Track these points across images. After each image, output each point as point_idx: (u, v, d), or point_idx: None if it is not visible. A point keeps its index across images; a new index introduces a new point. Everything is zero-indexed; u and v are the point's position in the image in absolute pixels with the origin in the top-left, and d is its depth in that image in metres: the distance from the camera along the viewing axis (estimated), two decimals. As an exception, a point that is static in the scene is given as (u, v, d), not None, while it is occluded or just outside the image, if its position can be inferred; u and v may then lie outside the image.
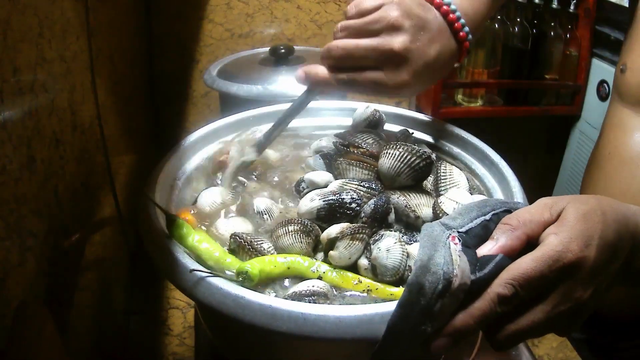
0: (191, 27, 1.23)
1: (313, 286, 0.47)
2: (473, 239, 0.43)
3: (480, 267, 0.41)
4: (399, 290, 0.47)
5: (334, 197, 0.52)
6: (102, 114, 0.69)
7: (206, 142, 0.67)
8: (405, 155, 0.55)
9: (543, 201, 0.45)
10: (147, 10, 1.18)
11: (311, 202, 0.53)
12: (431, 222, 0.45)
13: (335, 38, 0.60)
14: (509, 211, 0.46)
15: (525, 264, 0.40)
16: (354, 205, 0.52)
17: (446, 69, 0.62)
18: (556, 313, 0.41)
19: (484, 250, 0.42)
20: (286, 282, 0.49)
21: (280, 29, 1.28)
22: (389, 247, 0.48)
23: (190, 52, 1.25)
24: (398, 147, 0.56)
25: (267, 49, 0.98)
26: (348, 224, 0.50)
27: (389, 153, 0.56)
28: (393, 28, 0.56)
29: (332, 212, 0.52)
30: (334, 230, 0.49)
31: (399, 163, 0.55)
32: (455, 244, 0.41)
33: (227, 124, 0.70)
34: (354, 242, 0.48)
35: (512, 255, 0.42)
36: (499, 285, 0.40)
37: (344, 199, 0.52)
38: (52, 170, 0.52)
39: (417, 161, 0.55)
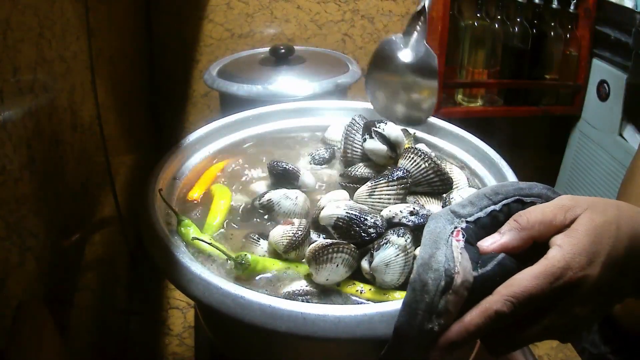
0: (191, 27, 1.23)
1: (306, 286, 0.47)
2: (480, 230, 0.43)
3: (482, 265, 0.40)
4: (396, 292, 0.47)
5: (357, 213, 0.50)
6: (102, 114, 0.69)
7: (206, 142, 0.67)
8: (429, 172, 0.57)
9: (563, 201, 0.43)
10: (147, 10, 1.18)
11: (337, 209, 0.51)
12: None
13: None
14: (520, 201, 0.44)
15: (526, 281, 0.39)
16: (371, 230, 0.49)
17: None
18: (552, 326, 0.41)
19: (487, 242, 0.42)
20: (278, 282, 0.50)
21: (280, 29, 1.28)
22: (389, 260, 0.46)
23: (190, 52, 1.25)
24: (426, 159, 0.57)
25: (267, 49, 0.98)
26: (325, 241, 0.48)
27: (413, 159, 0.58)
28: None
29: (348, 227, 0.50)
30: (311, 246, 0.48)
31: (420, 176, 0.57)
32: (458, 240, 0.41)
33: (227, 124, 0.70)
34: (325, 264, 0.47)
35: (514, 254, 0.41)
36: (498, 302, 0.39)
37: (366, 218, 0.50)
38: (52, 170, 0.52)
39: (436, 180, 0.57)
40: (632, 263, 0.41)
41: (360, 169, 0.61)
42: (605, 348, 0.79)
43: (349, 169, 0.61)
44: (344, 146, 0.63)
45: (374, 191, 0.54)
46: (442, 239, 0.41)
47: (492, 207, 0.44)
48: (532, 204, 0.44)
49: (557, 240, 0.41)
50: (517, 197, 0.44)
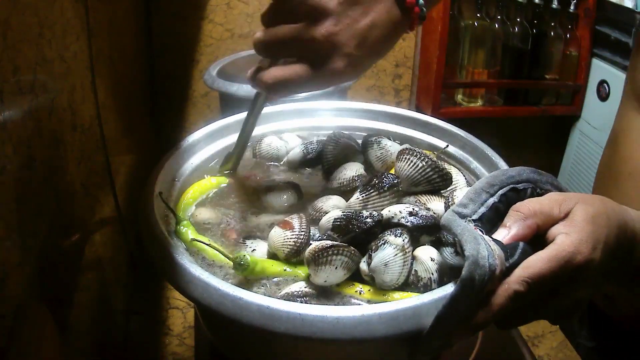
0: (191, 27, 1.23)
1: (305, 287, 0.47)
2: (485, 224, 0.45)
3: (510, 254, 0.42)
4: (395, 293, 0.47)
5: (352, 210, 0.52)
6: (102, 114, 0.69)
7: (206, 142, 0.67)
8: (427, 170, 0.56)
9: (553, 196, 0.46)
10: (147, 10, 1.18)
11: (333, 212, 0.52)
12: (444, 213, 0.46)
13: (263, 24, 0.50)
14: (515, 189, 0.47)
15: (540, 263, 0.41)
16: (368, 220, 0.50)
17: (390, 41, 0.52)
18: (557, 308, 0.44)
19: (498, 237, 0.44)
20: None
21: (280, 29, 1.28)
22: (388, 260, 0.46)
23: (190, 52, 1.25)
24: (422, 158, 0.57)
25: (267, 49, 0.98)
26: (325, 243, 0.48)
27: (409, 160, 0.57)
28: (315, 12, 0.48)
29: (347, 223, 0.50)
30: (310, 247, 0.48)
31: (419, 175, 0.57)
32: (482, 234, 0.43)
33: (227, 124, 0.70)
34: (324, 266, 0.47)
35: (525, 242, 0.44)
36: (516, 283, 0.41)
37: (361, 212, 0.51)
38: (52, 170, 0.52)
39: (435, 177, 0.57)
40: (620, 250, 0.45)
41: (339, 178, 0.60)
42: (592, 343, 0.81)
43: (330, 182, 0.61)
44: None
45: (367, 204, 0.54)
46: (477, 234, 0.42)
47: (492, 200, 0.46)
48: (525, 190, 0.47)
49: (561, 229, 0.43)
50: (512, 186, 0.47)
